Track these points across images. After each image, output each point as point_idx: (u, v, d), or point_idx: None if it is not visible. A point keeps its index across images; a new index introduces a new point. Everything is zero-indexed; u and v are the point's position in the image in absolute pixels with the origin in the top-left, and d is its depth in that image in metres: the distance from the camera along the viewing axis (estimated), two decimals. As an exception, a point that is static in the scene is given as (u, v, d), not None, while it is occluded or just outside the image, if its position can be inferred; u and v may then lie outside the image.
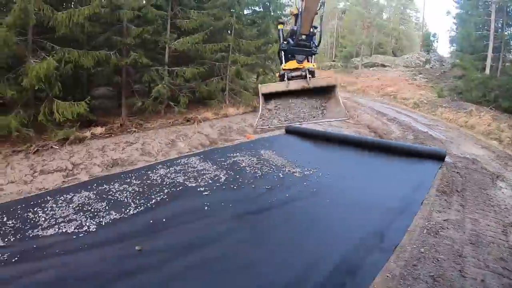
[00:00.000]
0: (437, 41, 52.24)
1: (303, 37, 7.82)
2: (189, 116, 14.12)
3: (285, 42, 8.33)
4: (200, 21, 14.75)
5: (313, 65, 8.10)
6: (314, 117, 7.64)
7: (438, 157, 11.56)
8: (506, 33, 23.55)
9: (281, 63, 8.43)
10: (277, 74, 8.90)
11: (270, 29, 20.28)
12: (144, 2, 14.21)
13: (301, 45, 7.93)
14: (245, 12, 21.43)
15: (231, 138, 13.88)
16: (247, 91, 17.43)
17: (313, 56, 8.26)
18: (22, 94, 10.26)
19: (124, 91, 13.90)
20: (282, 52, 8.35)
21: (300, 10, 7.40)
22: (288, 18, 19.38)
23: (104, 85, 15.57)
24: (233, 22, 16.98)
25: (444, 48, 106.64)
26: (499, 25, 23.53)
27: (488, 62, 23.19)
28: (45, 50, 10.75)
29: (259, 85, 8.34)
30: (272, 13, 21.25)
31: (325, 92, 8.13)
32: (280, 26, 9.17)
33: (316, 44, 8.03)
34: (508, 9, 23.22)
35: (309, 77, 7.79)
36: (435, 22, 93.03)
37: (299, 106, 8.04)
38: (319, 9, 7.33)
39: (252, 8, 21.72)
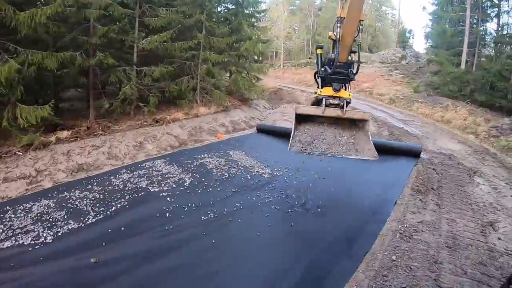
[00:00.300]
0: (413, 38, 53.25)
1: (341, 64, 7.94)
2: (158, 117, 13.98)
3: (322, 69, 8.55)
4: (169, 19, 14.53)
5: (349, 95, 8.37)
6: (348, 152, 7.95)
7: (414, 154, 11.60)
8: (481, 28, 24.05)
9: (318, 86, 8.65)
10: (313, 96, 9.15)
11: (242, 26, 20.20)
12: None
13: (338, 73, 8.06)
14: (219, 9, 21.32)
15: (201, 138, 13.87)
16: (218, 90, 17.32)
17: (350, 82, 8.50)
18: (-16, 99, 9.93)
19: (92, 93, 13.60)
20: (320, 78, 8.57)
21: (337, 36, 7.46)
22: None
23: (72, 87, 15.19)
24: (203, 19, 16.78)
25: (420, 44, 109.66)
26: (474, 20, 23.99)
27: (464, 57, 23.66)
28: (8, 52, 10.40)
29: (296, 105, 8.70)
30: (244, 10, 21.17)
31: (357, 123, 8.49)
32: (318, 51, 9.41)
33: (354, 72, 8.15)
34: (483, 5, 23.73)
35: (346, 109, 8.11)
36: (411, 18, 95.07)
37: (333, 138, 8.29)
38: (357, 35, 7.42)
39: (224, 5, 21.57)
